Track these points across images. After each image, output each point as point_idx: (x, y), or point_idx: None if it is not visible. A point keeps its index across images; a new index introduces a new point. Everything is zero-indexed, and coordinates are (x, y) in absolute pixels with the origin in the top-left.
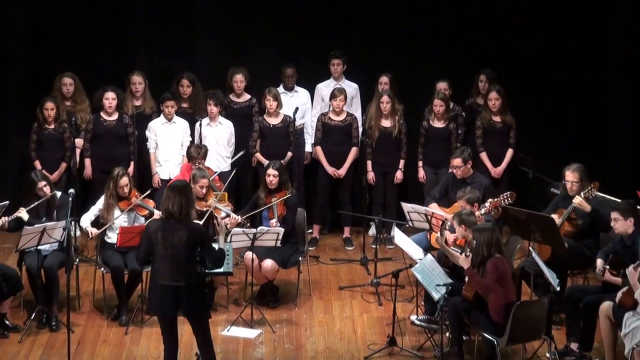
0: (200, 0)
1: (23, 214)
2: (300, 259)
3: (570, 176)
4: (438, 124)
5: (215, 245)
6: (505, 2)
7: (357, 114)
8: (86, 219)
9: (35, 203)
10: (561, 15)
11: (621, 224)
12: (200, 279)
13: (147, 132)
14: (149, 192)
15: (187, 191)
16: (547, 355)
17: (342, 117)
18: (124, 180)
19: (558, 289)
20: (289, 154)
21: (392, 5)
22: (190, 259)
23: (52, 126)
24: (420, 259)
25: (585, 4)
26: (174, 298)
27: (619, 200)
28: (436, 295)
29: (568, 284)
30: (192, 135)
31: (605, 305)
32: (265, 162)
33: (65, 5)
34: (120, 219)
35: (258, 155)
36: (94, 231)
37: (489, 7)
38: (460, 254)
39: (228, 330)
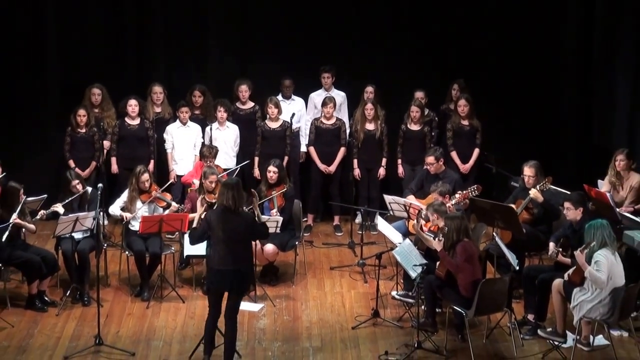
0: (210, 22)
1: (59, 209)
2: (296, 243)
3: (528, 171)
4: (415, 127)
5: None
6: (473, 23)
7: (345, 118)
8: (116, 208)
9: (70, 198)
10: (520, 35)
11: (572, 212)
12: (250, 265)
13: (164, 135)
14: (166, 186)
15: (238, 187)
16: (508, 324)
17: (332, 121)
18: (145, 176)
19: (517, 268)
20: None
21: (375, 25)
22: (245, 244)
23: (84, 130)
24: (399, 243)
25: (539, 25)
26: (227, 280)
27: (568, 192)
28: (413, 274)
29: (526, 263)
30: (204, 137)
31: (557, 282)
32: (257, 171)
33: (94, 27)
34: (142, 210)
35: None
36: (128, 215)
37: (460, 26)
38: (434, 238)
39: None
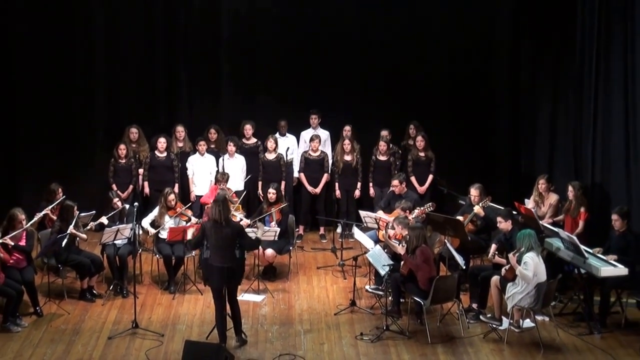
0: (224, 76)
1: (104, 220)
2: (291, 248)
3: (474, 192)
4: (382, 158)
5: (253, 235)
6: (427, 79)
7: (328, 151)
8: (146, 222)
9: (112, 213)
10: (465, 88)
11: (503, 224)
12: (239, 262)
13: (187, 164)
14: (188, 205)
15: (224, 202)
16: (457, 311)
17: (318, 153)
18: (172, 196)
19: (464, 267)
20: (283, 182)
21: (352, 79)
22: (233, 247)
23: (124, 161)
24: (371, 248)
25: (479, 81)
26: (223, 275)
27: (502, 208)
28: (382, 272)
29: (470, 264)
30: (217, 166)
31: (495, 278)
32: (260, 191)
33: (132, 80)
34: (169, 222)
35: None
36: (152, 231)
37: (417, 81)
38: (399, 244)
39: (242, 296)
